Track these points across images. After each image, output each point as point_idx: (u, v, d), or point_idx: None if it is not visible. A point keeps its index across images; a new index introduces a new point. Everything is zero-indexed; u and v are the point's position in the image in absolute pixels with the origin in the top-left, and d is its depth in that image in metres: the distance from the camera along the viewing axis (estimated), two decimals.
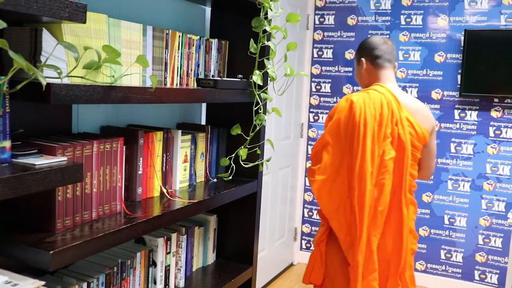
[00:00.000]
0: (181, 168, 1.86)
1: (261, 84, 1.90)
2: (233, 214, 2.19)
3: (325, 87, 3.52)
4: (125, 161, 1.59)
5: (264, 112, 2.02)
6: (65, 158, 1.18)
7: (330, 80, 3.50)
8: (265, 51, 1.97)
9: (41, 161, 1.12)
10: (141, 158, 1.61)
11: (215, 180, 2.04)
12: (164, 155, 1.74)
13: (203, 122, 2.26)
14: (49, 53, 1.15)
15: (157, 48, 1.68)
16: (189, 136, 1.90)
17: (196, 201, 1.68)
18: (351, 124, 1.85)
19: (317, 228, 3.30)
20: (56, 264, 1.14)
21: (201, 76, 1.96)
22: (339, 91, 3.47)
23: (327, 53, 3.52)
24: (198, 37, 1.91)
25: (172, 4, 2.01)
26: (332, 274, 2.05)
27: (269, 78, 1.99)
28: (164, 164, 1.75)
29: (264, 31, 1.92)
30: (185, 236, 1.90)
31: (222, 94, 1.76)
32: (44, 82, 0.97)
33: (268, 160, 2.08)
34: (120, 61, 1.44)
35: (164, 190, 1.71)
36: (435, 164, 2.42)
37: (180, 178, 1.86)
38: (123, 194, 1.58)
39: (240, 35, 2.03)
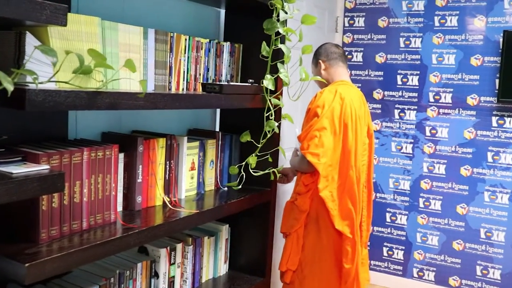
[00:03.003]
0: (187, 176, 1.79)
1: (273, 89, 1.81)
2: (246, 224, 2.11)
3: None
4: (123, 169, 1.54)
5: (277, 119, 1.93)
6: (47, 167, 1.13)
7: (360, 85, 3.36)
8: (279, 55, 1.88)
9: (20, 170, 1.08)
10: (140, 166, 1.56)
11: (225, 189, 1.96)
12: (167, 162, 1.67)
13: (217, 129, 2.19)
14: (33, 57, 1.11)
15: (160, 52, 1.62)
16: (196, 143, 1.83)
17: (197, 211, 1.61)
18: (345, 114, 2.07)
19: None
20: (32, 277, 1.09)
21: (211, 81, 1.89)
22: (370, 96, 3.33)
23: (356, 56, 3.39)
24: (208, 40, 1.84)
25: (184, 6, 1.96)
26: (313, 255, 2.13)
27: (284, 83, 1.90)
28: (167, 172, 1.68)
29: (277, 33, 1.83)
30: (191, 247, 1.83)
31: (229, 100, 1.68)
32: (10, 88, 0.92)
33: (280, 169, 1.98)
34: (113, 65, 1.39)
35: (166, 199, 1.65)
36: None
37: (187, 186, 1.80)
38: (118, 203, 1.52)
39: (255, 38, 1.94)
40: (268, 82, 1.80)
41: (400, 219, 3.29)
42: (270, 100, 1.82)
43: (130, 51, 1.50)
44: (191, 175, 1.82)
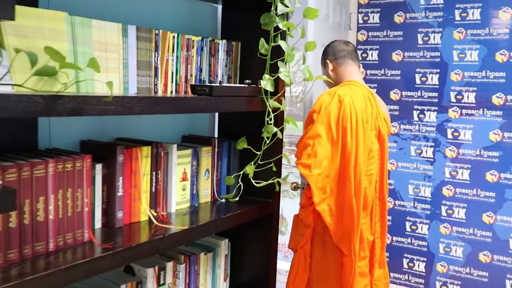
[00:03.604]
0: (178, 187, 1.63)
1: (272, 90, 1.63)
2: (248, 238, 1.93)
3: None
4: (102, 181, 1.38)
5: (279, 123, 1.75)
6: None
7: (376, 85, 3.16)
8: (279, 53, 1.70)
9: None
10: (121, 178, 1.40)
11: (223, 200, 1.79)
12: (154, 173, 1.51)
13: (216, 134, 2.03)
14: None
15: (144, 51, 1.46)
16: (189, 151, 1.67)
17: (186, 227, 1.44)
18: (343, 118, 1.88)
19: None
20: None
21: (206, 82, 1.73)
22: (386, 97, 3.12)
23: (372, 55, 3.18)
24: (200, 37, 1.68)
25: (176, 2, 1.80)
26: (319, 274, 1.98)
27: (285, 84, 1.72)
28: (154, 184, 1.52)
29: (277, 28, 1.66)
30: (183, 265, 1.66)
31: (222, 103, 1.51)
32: None
33: (284, 179, 1.80)
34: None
35: (151, 214, 1.49)
36: None
37: (177, 199, 1.63)
38: (97, 219, 1.37)
39: (256, 36, 1.75)
40: (266, 83, 1.62)
41: (421, 228, 3.07)
42: (268, 102, 1.65)
43: (107, 50, 1.34)
44: (182, 186, 1.65)
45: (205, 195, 1.77)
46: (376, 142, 1.95)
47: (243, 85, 1.64)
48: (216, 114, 2.01)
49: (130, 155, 1.43)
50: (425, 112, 3.03)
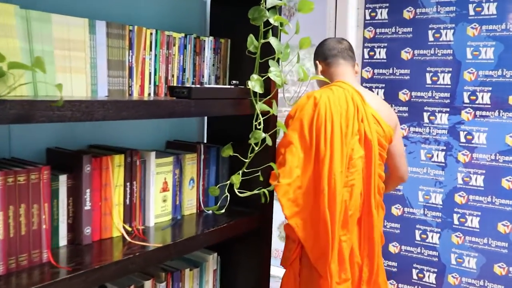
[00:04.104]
0: (157, 199, 1.49)
1: (261, 91, 1.48)
2: (239, 252, 1.79)
3: (377, 92, 3.00)
4: (67, 194, 1.25)
5: (270, 128, 1.60)
6: None
7: (383, 85, 2.98)
8: (272, 50, 1.55)
9: None
10: (88, 190, 1.26)
11: (210, 212, 1.64)
12: (128, 184, 1.37)
13: (205, 140, 1.88)
14: None
15: (116, 49, 1.32)
16: (170, 159, 1.52)
17: (160, 245, 1.30)
18: (317, 121, 1.69)
19: None
20: None
21: (190, 83, 1.58)
22: (395, 97, 2.94)
23: (379, 53, 3.00)
24: (183, 34, 1.54)
25: None
26: None
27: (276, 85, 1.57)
28: (128, 196, 1.38)
29: (267, 24, 1.51)
30: (163, 284, 1.52)
31: (202, 106, 1.37)
32: None
33: (271, 189, 1.65)
34: (46, 65, 1.10)
35: (123, 230, 1.34)
36: (406, 166, 2.04)
37: (157, 211, 1.49)
38: (61, 236, 1.23)
39: (247, 32, 1.59)
40: (254, 84, 1.47)
41: (432, 237, 2.88)
42: (257, 105, 1.50)
43: (70, 48, 1.21)
44: (163, 197, 1.51)
45: (190, 207, 1.62)
46: (360, 148, 1.71)
47: (229, 86, 1.49)
48: (205, 118, 1.86)
49: (99, 164, 1.29)
50: (436, 113, 2.85)
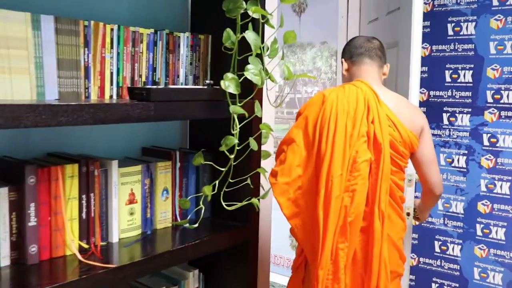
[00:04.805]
0: (122, 212, 1.35)
1: (236, 92, 1.32)
2: (223, 269, 1.63)
3: None
4: (9, 208, 1.12)
5: (253, 132, 1.44)
6: None
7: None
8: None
9: None
10: (33, 204, 1.13)
11: (187, 225, 1.49)
12: (84, 196, 1.24)
13: (188, 145, 1.73)
14: None
15: (67, 47, 1.19)
16: (138, 167, 1.38)
17: (113, 266, 1.16)
18: (321, 120, 1.60)
19: None
20: None
21: (162, 83, 1.44)
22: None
23: None
24: (152, 30, 1.39)
25: None
26: None
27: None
28: (85, 209, 1.24)
29: (245, 16, 1.35)
30: None
31: (165, 110, 1.22)
32: None
33: (263, 197, 1.48)
34: None
35: (74, 248, 1.21)
36: (437, 176, 1.76)
37: (122, 226, 1.35)
38: (2, 256, 1.11)
39: (233, 28, 1.42)
40: (228, 84, 1.31)
41: (453, 249, 2.65)
42: (230, 107, 1.33)
43: (8, 46, 1.08)
44: (129, 210, 1.37)
45: (164, 219, 1.48)
46: (367, 151, 1.57)
47: (200, 87, 1.34)
48: (188, 122, 1.71)
49: (47, 175, 1.16)
50: (456, 114, 2.61)
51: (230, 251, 1.54)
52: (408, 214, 1.94)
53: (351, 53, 1.80)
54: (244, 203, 1.41)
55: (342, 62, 1.84)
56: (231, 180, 1.39)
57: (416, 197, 2.02)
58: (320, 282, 1.53)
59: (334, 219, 1.52)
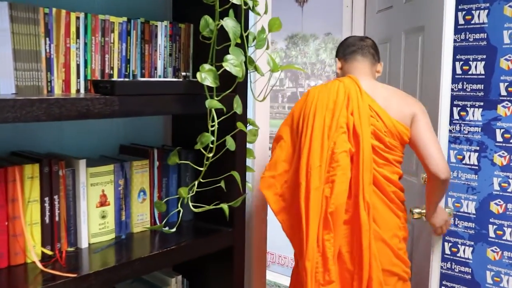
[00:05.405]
0: (93, 215, 1.25)
1: (213, 84, 1.21)
2: (209, 275, 1.53)
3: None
4: None
5: (231, 129, 1.33)
6: None
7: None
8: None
9: None
10: None
11: (166, 228, 1.39)
12: (47, 199, 1.14)
13: (171, 143, 1.63)
14: None
15: (25, 36, 1.10)
16: (110, 167, 1.28)
17: (74, 275, 1.06)
18: (303, 115, 1.67)
19: None
20: None
21: (137, 77, 1.33)
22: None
23: None
24: (125, 18, 1.29)
25: None
26: None
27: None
28: (48, 213, 1.15)
29: (225, 1, 1.24)
30: None
31: (131, 105, 1.11)
32: None
33: (235, 204, 1.36)
34: None
35: (34, 256, 1.11)
36: (439, 159, 1.65)
37: (93, 230, 1.26)
38: None
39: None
40: (205, 76, 1.20)
41: (464, 251, 2.50)
42: (206, 102, 1.22)
43: None
44: (101, 213, 1.27)
45: (141, 222, 1.38)
46: (345, 142, 1.58)
47: (174, 80, 1.23)
48: (170, 117, 1.61)
49: (3, 177, 1.07)
50: (467, 108, 2.46)
51: (215, 256, 1.44)
52: None
53: (344, 51, 1.83)
54: (212, 207, 1.30)
55: (336, 61, 1.87)
56: (201, 180, 1.29)
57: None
58: (309, 273, 1.55)
59: (315, 210, 1.55)
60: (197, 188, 1.32)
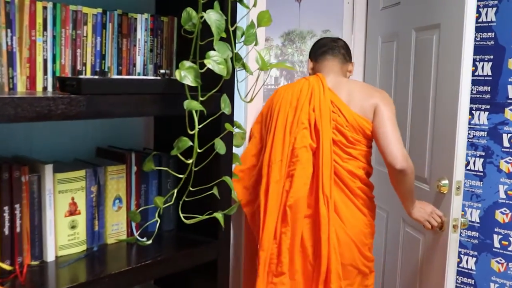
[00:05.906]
0: (61, 225, 1.15)
1: (194, 84, 1.10)
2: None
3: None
4: None
5: (216, 133, 1.22)
6: None
7: None
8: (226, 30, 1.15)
9: None
10: None
11: (144, 239, 1.27)
12: (7, 208, 1.03)
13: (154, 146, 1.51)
14: None
15: None
16: (80, 172, 1.17)
17: None
18: (270, 112, 1.73)
19: None
20: None
21: (114, 73, 1.22)
22: None
23: None
24: (100, 10, 1.18)
25: None
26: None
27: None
28: (8, 224, 1.04)
29: None
30: None
31: (100, 105, 1.00)
32: None
33: (229, 212, 1.25)
34: None
35: None
36: (398, 149, 1.61)
37: (62, 241, 1.15)
38: None
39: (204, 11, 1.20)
40: (185, 74, 1.09)
41: (467, 261, 2.39)
42: (185, 102, 1.11)
43: None
44: (70, 223, 1.16)
45: (116, 233, 1.27)
46: (306, 138, 1.63)
47: (150, 78, 1.12)
48: (152, 118, 1.49)
49: None
50: (473, 112, 2.34)
51: (198, 269, 1.33)
52: (455, 226, 1.74)
53: (315, 52, 1.87)
54: (205, 217, 1.18)
55: (308, 62, 1.91)
56: (191, 189, 1.17)
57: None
58: (262, 263, 1.58)
59: (274, 203, 1.60)
60: (178, 196, 1.21)
